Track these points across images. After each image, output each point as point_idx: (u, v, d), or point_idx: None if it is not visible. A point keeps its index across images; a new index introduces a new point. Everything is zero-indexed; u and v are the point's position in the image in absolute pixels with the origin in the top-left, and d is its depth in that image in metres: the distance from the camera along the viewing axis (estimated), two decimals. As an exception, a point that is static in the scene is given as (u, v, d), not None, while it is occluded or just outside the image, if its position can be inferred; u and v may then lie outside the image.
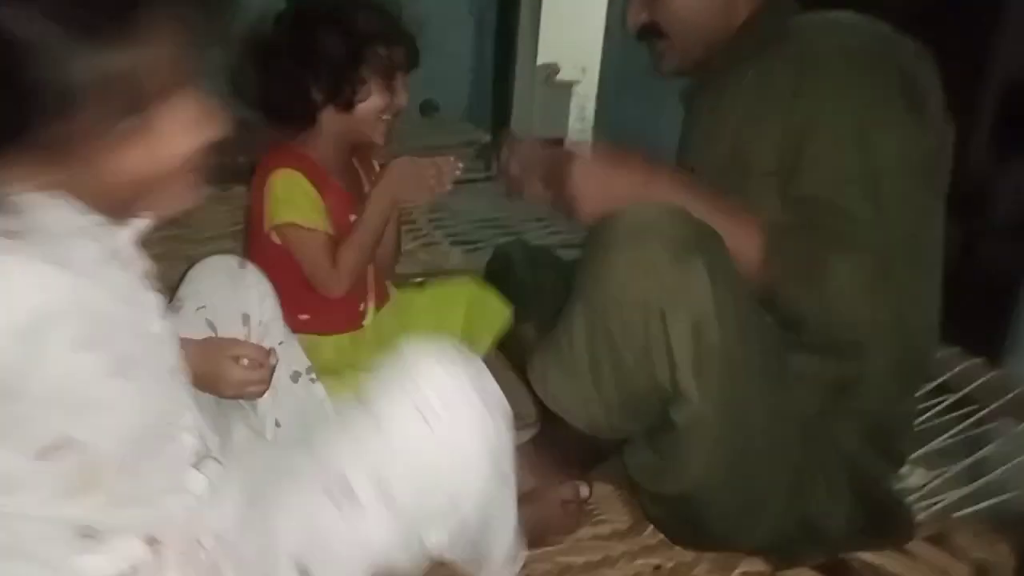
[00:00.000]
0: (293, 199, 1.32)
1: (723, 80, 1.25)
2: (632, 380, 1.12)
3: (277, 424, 1.13)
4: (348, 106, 1.34)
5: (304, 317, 1.39)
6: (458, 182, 3.12)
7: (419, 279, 2.19)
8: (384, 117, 1.37)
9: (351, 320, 1.46)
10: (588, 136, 4.05)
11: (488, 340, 1.57)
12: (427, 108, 4.14)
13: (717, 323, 1.06)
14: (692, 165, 1.30)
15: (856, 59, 1.12)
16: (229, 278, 1.14)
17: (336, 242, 1.36)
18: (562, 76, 5.14)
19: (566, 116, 5.21)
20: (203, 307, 1.10)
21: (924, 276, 1.17)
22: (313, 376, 1.21)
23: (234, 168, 3.08)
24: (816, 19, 1.21)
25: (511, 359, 1.65)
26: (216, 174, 3.01)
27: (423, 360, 0.81)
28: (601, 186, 1.19)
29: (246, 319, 1.14)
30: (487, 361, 1.56)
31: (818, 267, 1.09)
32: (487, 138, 3.89)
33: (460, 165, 1.43)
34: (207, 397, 1.01)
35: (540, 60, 4.62)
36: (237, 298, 1.13)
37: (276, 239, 1.36)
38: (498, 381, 1.64)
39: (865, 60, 1.12)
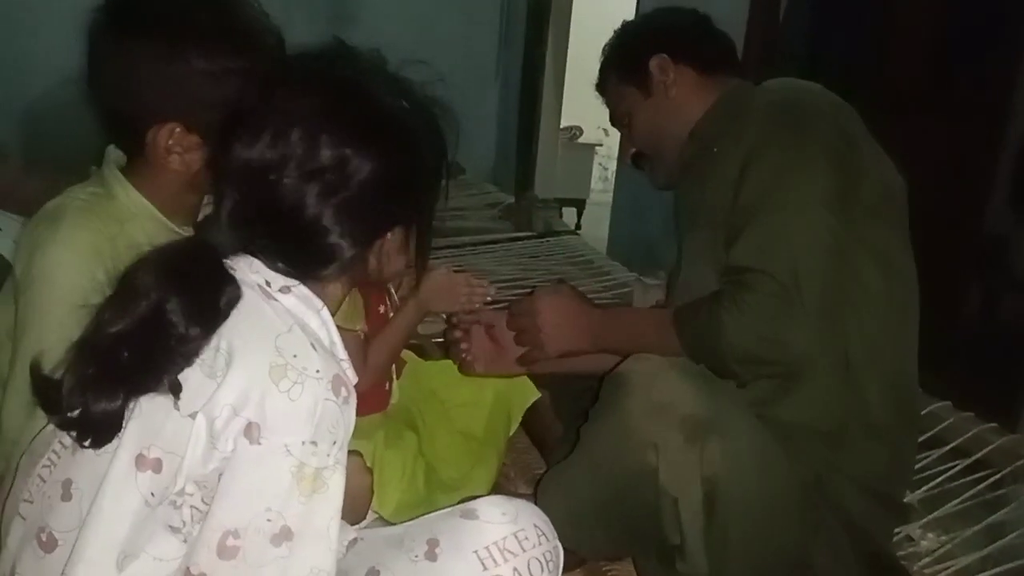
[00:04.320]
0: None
1: (695, 164, 1.35)
2: (638, 530, 1.20)
3: None
4: None
5: None
6: (481, 243, 3.22)
7: (441, 340, 2.25)
8: None
9: (382, 400, 1.54)
10: (609, 196, 4.12)
11: (519, 416, 1.63)
12: (452, 170, 4.24)
13: (729, 504, 1.12)
14: (683, 243, 1.40)
15: (782, 109, 1.23)
16: None
17: (368, 338, 1.42)
18: (584, 138, 5.26)
19: (588, 177, 5.31)
20: None
21: (869, 311, 1.22)
22: None
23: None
24: (761, 88, 1.32)
25: (525, 425, 1.70)
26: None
27: (489, 510, 0.86)
28: (562, 323, 1.34)
29: None
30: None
31: (712, 321, 1.16)
32: (511, 199, 3.97)
33: (492, 291, 1.51)
34: None
35: (563, 123, 4.73)
36: None
37: None
38: (516, 446, 1.71)
39: (786, 110, 1.22)
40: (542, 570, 0.84)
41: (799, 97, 1.25)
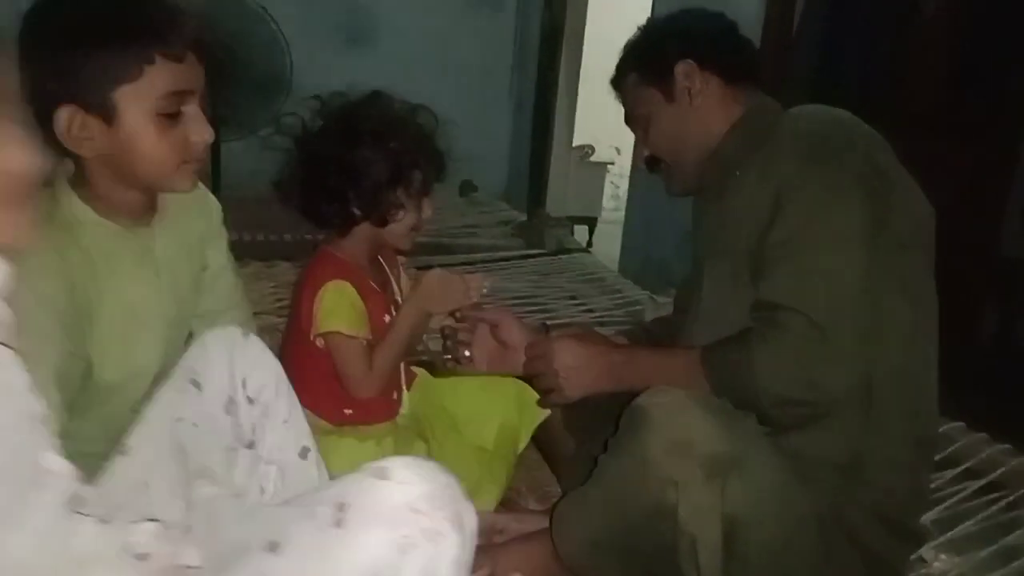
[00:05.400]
0: (340, 310, 1.42)
1: (716, 185, 1.33)
2: (654, 565, 1.18)
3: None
4: (383, 223, 1.44)
5: (348, 411, 1.50)
6: (493, 260, 3.23)
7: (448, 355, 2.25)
8: (413, 232, 1.47)
9: (390, 409, 1.56)
10: (621, 214, 4.13)
11: (529, 433, 1.64)
12: (466, 188, 4.27)
13: (748, 542, 1.11)
14: (703, 261, 1.38)
15: (812, 142, 1.20)
16: (227, 349, 1.14)
17: (372, 345, 1.44)
18: (597, 157, 5.27)
19: (600, 196, 5.32)
20: (195, 379, 1.11)
21: (895, 344, 1.20)
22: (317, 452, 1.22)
23: (280, 244, 3.22)
24: (789, 114, 1.29)
25: (536, 441, 1.70)
26: (262, 250, 3.13)
27: (402, 472, 0.83)
28: (581, 365, 1.31)
29: (237, 388, 1.14)
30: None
31: (744, 364, 1.15)
32: (523, 217, 3.98)
33: (487, 284, 1.52)
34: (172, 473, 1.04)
35: (576, 142, 4.74)
36: (233, 368, 1.14)
37: (321, 344, 1.45)
38: (527, 462, 1.71)
39: (820, 143, 1.20)
40: (453, 530, 0.80)
41: (830, 130, 1.22)
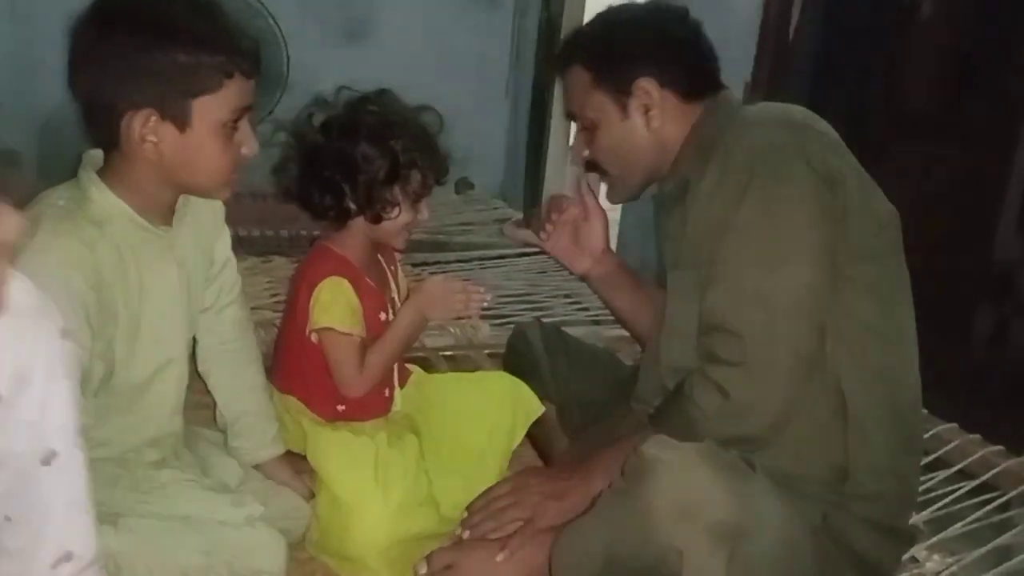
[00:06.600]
0: (336, 306, 1.42)
1: (674, 195, 1.31)
2: None
3: None
4: (377, 220, 1.44)
5: (341, 408, 1.50)
6: (489, 258, 3.23)
7: (448, 353, 2.26)
8: (407, 231, 1.46)
9: (382, 406, 1.56)
10: (617, 213, 4.13)
11: (523, 428, 1.63)
12: (462, 186, 4.26)
13: None
14: (667, 272, 1.36)
15: (762, 156, 1.18)
16: None
17: (365, 344, 1.44)
18: (593, 156, 5.28)
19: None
20: None
21: (869, 350, 1.20)
22: None
23: (276, 240, 3.22)
24: (743, 117, 1.26)
25: (531, 438, 1.70)
26: (258, 245, 3.13)
27: None
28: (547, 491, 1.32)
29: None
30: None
31: (684, 416, 1.17)
32: (519, 215, 3.98)
33: (488, 297, 1.51)
34: None
35: (572, 140, 4.75)
36: None
37: (315, 339, 1.45)
38: (522, 459, 1.71)
39: (769, 157, 1.17)
40: None
41: (782, 139, 1.19)
